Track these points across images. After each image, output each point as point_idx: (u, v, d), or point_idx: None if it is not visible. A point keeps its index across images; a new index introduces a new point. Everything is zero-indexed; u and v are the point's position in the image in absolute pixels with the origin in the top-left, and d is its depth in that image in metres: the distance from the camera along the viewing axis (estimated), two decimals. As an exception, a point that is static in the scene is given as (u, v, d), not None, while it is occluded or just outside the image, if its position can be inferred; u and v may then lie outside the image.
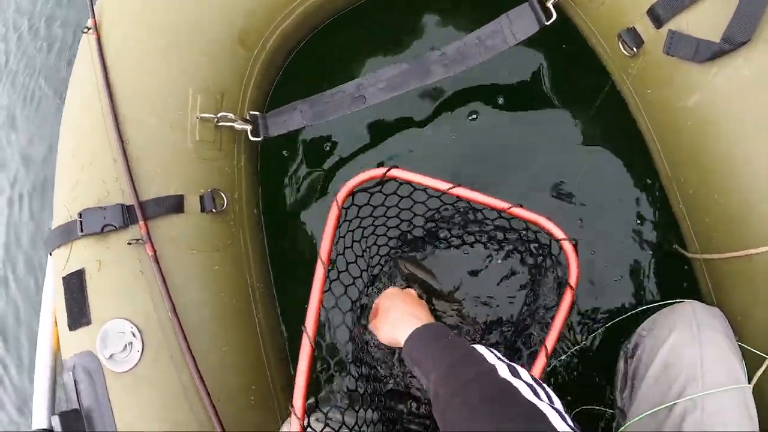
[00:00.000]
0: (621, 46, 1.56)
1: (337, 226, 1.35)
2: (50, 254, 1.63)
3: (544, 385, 0.88)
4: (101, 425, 1.44)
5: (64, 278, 1.54)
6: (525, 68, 2.02)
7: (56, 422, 1.44)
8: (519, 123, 1.98)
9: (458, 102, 2.02)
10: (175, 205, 1.57)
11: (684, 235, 1.67)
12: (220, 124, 1.68)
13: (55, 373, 1.62)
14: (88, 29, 1.63)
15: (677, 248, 1.72)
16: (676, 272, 1.78)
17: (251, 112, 1.76)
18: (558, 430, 0.73)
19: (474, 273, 1.88)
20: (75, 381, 1.50)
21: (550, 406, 0.79)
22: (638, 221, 1.87)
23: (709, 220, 1.48)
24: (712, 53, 1.32)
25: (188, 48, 1.65)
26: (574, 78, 2.00)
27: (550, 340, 1.21)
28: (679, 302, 1.45)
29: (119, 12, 1.65)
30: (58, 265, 1.56)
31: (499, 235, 1.77)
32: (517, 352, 1.58)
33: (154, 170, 1.57)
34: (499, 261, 1.87)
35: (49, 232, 1.61)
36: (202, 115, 1.64)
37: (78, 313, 1.51)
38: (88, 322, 1.49)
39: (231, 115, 1.68)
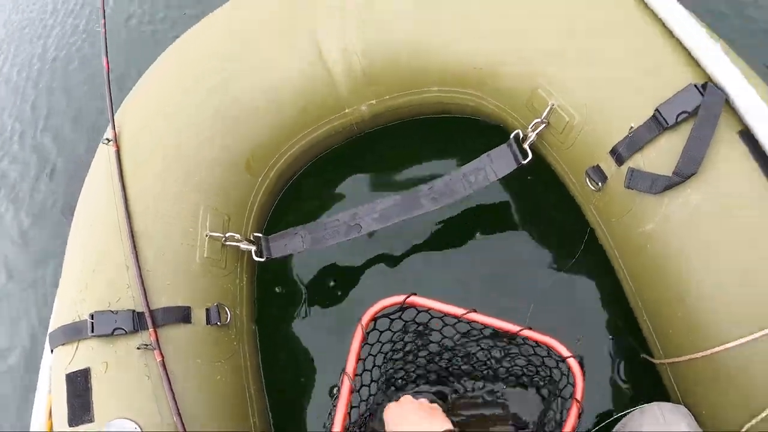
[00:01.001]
0: (588, 181, 1.79)
1: (361, 348, 1.44)
2: (51, 351, 1.68)
3: None
4: None
5: (68, 375, 1.58)
6: (506, 199, 2.24)
7: None
8: (499, 248, 2.16)
9: (445, 230, 2.20)
10: (183, 315, 1.67)
11: (649, 344, 1.82)
12: (227, 243, 1.83)
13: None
14: (108, 141, 1.79)
15: (645, 357, 1.85)
16: (648, 378, 1.89)
17: (254, 234, 1.92)
18: None
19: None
20: (75, 479, 1.52)
21: None
22: (610, 336, 2.00)
23: (671, 331, 1.64)
24: (665, 185, 1.54)
25: (201, 170, 1.83)
26: (548, 208, 2.21)
27: None
28: (647, 405, 1.57)
29: (139, 128, 1.83)
30: (61, 361, 1.61)
31: (506, 364, 1.86)
32: None
33: (164, 281, 1.68)
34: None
35: (54, 330, 1.67)
36: (212, 233, 1.79)
37: (80, 410, 1.54)
38: (91, 420, 1.52)
39: (237, 236, 1.83)
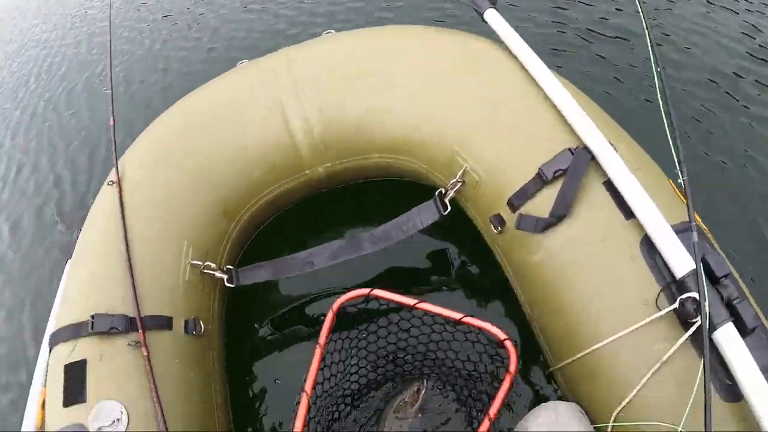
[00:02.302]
0: (492, 226, 2.25)
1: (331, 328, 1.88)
2: (50, 349, 2.06)
3: None
4: None
5: (67, 365, 1.95)
6: (433, 242, 2.78)
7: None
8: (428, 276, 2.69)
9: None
10: (167, 323, 2.09)
11: (545, 354, 2.22)
12: (205, 270, 2.28)
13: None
14: (112, 182, 2.26)
15: (549, 370, 2.24)
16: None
17: (227, 266, 2.38)
18: None
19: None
20: (64, 451, 1.88)
21: None
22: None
23: (557, 339, 2.05)
24: (544, 225, 2.00)
25: (187, 211, 2.31)
26: (466, 248, 2.74)
27: (493, 410, 1.64)
28: (547, 403, 1.94)
29: (138, 175, 2.31)
30: (61, 357, 1.98)
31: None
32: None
33: (153, 296, 2.11)
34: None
35: (56, 330, 2.05)
36: (193, 262, 2.24)
37: (75, 393, 1.91)
38: (83, 401, 1.89)
39: (213, 265, 2.30)
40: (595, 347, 1.85)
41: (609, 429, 1.80)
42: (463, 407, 2.27)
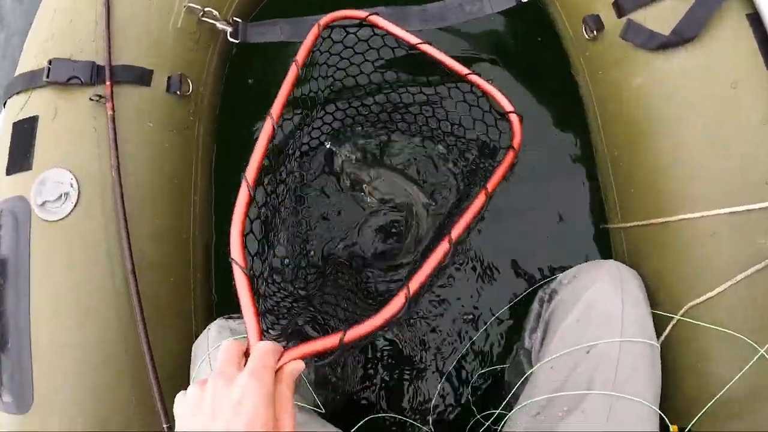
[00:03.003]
0: (584, 29, 1.70)
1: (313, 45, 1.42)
2: (4, 105, 1.65)
3: None
4: (14, 271, 1.45)
5: (15, 123, 1.56)
6: (493, 37, 2.13)
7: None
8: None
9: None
10: (143, 77, 1.62)
11: (609, 208, 1.79)
12: (204, 18, 1.75)
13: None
14: None
15: (603, 226, 1.84)
16: (598, 246, 1.90)
17: (234, 18, 1.83)
18: None
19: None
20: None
21: None
22: (567, 200, 1.96)
23: (634, 191, 1.61)
24: (661, 43, 1.47)
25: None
26: (536, 55, 2.12)
27: (491, 184, 1.27)
28: (603, 260, 1.55)
29: None
30: (12, 111, 1.58)
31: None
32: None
33: (131, 41, 1.63)
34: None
35: (11, 80, 1.63)
36: (190, 4, 1.71)
37: (20, 158, 1.53)
38: (29, 168, 1.51)
39: (216, 13, 1.76)
40: (683, 216, 1.42)
41: (674, 321, 1.41)
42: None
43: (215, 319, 1.46)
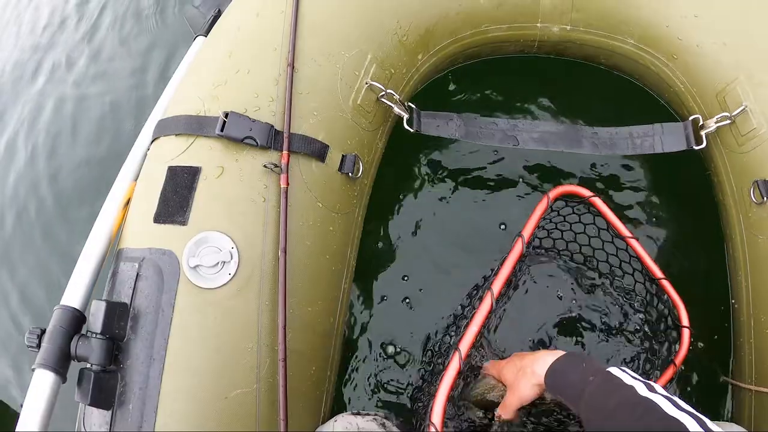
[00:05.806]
0: (752, 192, 1.65)
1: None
2: (153, 141, 1.52)
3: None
4: (147, 329, 1.29)
5: (171, 167, 1.41)
6: (650, 174, 2.10)
7: (98, 308, 1.27)
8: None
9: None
10: (320, 151, 1.50)
11: (740, 366, 1.71)
12: (382, 99, 1.65)
13: (103, 259, 1.44)
14: None
15: (726, 379, 1.77)
16: (716, 400, 1.83)
17: (408, 103, 1.73)
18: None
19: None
20: (137, 275, 1.34)
21: (686, 413, 0.91)
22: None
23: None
24: None
25: (377, 19, 1.68)
26: (685, 201, 2.09)
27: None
28: (727, 423, 1.48)
29: None
30: (165, 152, 1.45)
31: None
32: None
33: (310, 110, 1.51)
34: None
35: (165, 117, 1.50)
36: (373, 82, 1.61)
37: (174, 209, 1.37)
38: (183, 223, 1.35)
39: (396, 96, 1.65)
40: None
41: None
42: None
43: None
